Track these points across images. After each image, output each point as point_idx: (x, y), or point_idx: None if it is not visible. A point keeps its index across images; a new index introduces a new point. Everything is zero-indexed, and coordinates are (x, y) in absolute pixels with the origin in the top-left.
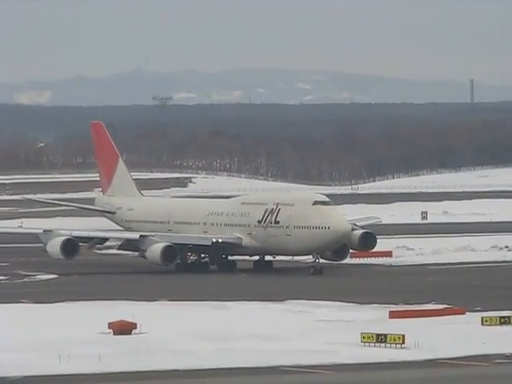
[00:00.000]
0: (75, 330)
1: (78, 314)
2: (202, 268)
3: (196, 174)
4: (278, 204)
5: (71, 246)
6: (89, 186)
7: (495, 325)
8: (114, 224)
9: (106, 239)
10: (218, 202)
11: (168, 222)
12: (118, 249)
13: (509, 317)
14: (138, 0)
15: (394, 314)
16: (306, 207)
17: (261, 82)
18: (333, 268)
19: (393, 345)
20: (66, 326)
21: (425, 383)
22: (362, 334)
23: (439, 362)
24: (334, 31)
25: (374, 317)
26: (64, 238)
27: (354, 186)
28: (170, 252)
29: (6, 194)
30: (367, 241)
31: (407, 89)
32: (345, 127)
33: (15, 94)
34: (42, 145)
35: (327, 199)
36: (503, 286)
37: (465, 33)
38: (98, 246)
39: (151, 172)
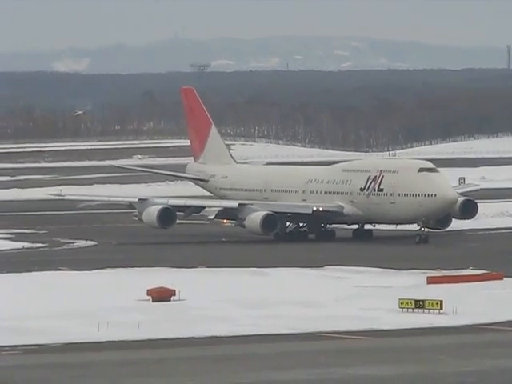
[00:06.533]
0: (114, 297)
1: (116, 281)
2: (300, 237)
3: (234, 141)
4: (381, 171)
5: (168, 214)
6: (127, 153)
7: None
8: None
9: (203, 208)
10: (317, 169)
11: (265, 190)
12: (215, 218)
13: None
14: None
15: (431, 280)
16: (412, 174)
17: (298, 49)
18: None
19: (431, 310)
20: (104, 293)
21: (463, 348)
22: (399, 299)
23: (477, 327)
24: None
25: (412, 283)
26: (161, 206)
27: (391, 152)
28: (270, 221)
29: (45, 162)
30: (468, 208)
31: (444, 55)
32: (382, 93)
33: (53, 62)
34: (80, 112)
35: (433, 166)
36: None
37: None
38: (193, 214)
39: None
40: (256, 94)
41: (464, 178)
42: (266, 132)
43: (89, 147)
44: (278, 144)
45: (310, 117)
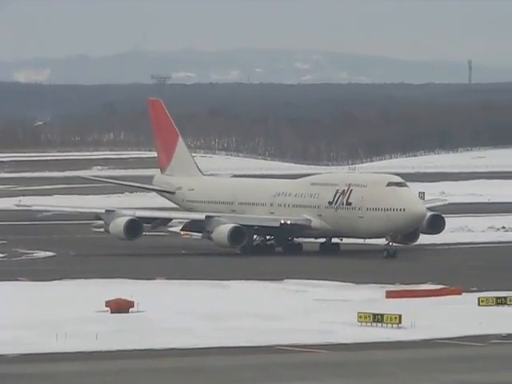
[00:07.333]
0: (72, 308)
1: (75, 292)
2: (267, 250)
3: (194, 153)
4: (349, 185)
5: (135, 226)
6: (87, 164)
7: (491, 305)
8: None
9: (170, 220)
10: (285, 182)
11: (232, 203)
12: (182, 229)
13: (505, 297)
14: None
15: (390, 294)
16: (380, 188)
17: (259, 62)
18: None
19: (389, 324)
20: (63, 304)
21: (421, 363)
22: (358, 313)
23: (435, 341)
24: (332, 11)
25: (371, 296)
26: (128, 218)
27: (351, 166)
28: (237, 234)
29: (5, 172)
30: (436, 223)
31: (405, 69)
32: (343, 107)
33: (14, 72)
34: (40, 123)
35: (402, 180)
36: (500, 267)
37: (463, 13)
38: (160, 226)
39: (150, 151)
40: (216, 107)
41: (424, 193)
42: (226, 144)
43: (49, 158)
44: (238, 156)
45: (270, 129)
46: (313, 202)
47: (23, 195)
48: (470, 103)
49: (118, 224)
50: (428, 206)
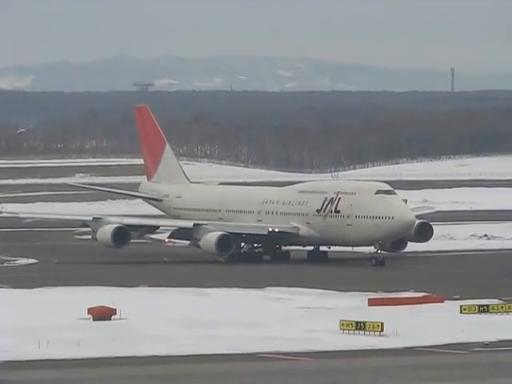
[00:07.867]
0: (55, 315)
1: (57, 299)
2: (255, 258)
3: None
4: (338, 193)
5: (122, 234)
6: (70, 171)
7: (474, 313)
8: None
9: (157, 227)
10: (273, 189)
11: (219, 211)
12: (169, 237)
13: (487, 305)
14: None
15: (373, 302)
16: (369, 196)
17: (242, 69)
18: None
19: (372, 332)
20: (45, 311)
21: (403, 371)
22: (341, 321)
23: (417, 349)
24: (314, 18)
25: (354, 304)
26: (115, 225)
27: (334, 174)
28: (225, 241)
29: None
30: (424, 231)
31: (388, 77)
32: (326, 115)
33: None
34: (22, 130)
35: (390, 188)
36: (482, 275)
37: (446, 21)
38: (147, 234)
39: (132, 158)
40: (199, 114)
41: (406, 200)
42: (208, 152)
43: (31, 165)
44: (221, 164)
45: (253, 137)
46: (301, 210)
47: (6, 202)
48: (452, 111)
49: (106, 231)
50: (416, 213)
